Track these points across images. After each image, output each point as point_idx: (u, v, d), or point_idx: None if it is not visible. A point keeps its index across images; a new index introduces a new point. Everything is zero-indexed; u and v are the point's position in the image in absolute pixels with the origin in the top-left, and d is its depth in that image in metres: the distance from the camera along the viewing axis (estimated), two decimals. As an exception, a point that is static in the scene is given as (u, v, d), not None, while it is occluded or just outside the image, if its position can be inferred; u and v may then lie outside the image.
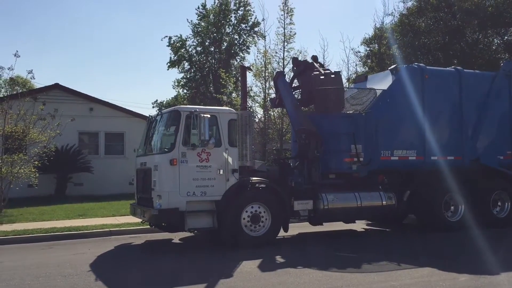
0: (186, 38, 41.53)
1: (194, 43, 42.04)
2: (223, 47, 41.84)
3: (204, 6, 41.62)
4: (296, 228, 12.91)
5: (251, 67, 24.95)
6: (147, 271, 8.70)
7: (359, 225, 13.87)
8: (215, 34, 41.48)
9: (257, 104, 28.55)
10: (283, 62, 26.70)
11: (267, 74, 26.56)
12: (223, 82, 30.12)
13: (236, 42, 42.32)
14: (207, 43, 41.86)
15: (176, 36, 41.30)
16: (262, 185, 10.93)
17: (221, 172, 10.53)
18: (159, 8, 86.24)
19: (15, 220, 14.68)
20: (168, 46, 41.22)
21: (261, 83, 26.76)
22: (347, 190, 12.00)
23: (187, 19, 42.10)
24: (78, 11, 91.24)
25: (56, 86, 24.83)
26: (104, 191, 22.71)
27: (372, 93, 12.76)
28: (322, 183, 11.86)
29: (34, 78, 32.27)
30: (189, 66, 42.29)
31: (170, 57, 41.69)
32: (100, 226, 13.22)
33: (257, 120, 27.71)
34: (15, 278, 8.16)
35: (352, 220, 12.78)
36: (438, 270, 8.32)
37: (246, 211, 10.61)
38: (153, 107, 47.59)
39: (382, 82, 13.26)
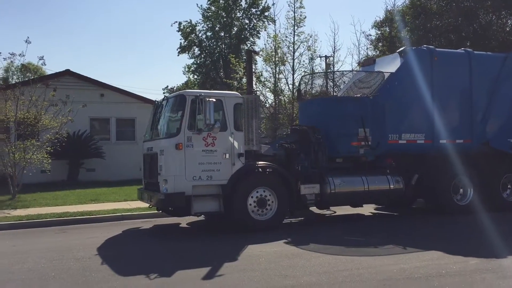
0: (196, 24, 41.47)
1: (204, 28, 41.97)
2: (233, 32, 41.70)
3: (213, -11, 41.52)
4: (303, 212, 12.91)
5: (261, 52, 24.81)
6: (153, 254, 8.78)
7: (367, 209, 13.81)
8: (225, 19, 41.32)
9: (268, 89, 28.54)
10: (293, 46, 26.54)
11: (277, 58, 26.44)
12: (233, 68, 30.04)
13: (246, 27, 42.13)
14: (217, 28, 41.74)
15: (186, 21, 41.27)
16: (269, 169, 10.91)
17: (227, 156, 10.53)
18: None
19: (29, 205, 14.86)
20: (178, 31, 41.23)
21: (271, 68, 26.62)
22: (354, 174, 11.95)
23: (197, 4, 42.03)
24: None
25: (67, 73, 24.92)
26: (115, 177, 22.88)
27: (380, 76, 12.62)
28: (329, 167, 11.82)
29: (45, 65, 32.41)
30: (199, 52, 42.25)
31: (180, 43, 41.71)
32: (112, 211, 13.34)
33: (267, 105, 27.65)
34: (28, 261, 8.29)
35: (359, 204, 12.72)
36: (447, 254, 8.26)
37: (252, 195, 10.61)
38: (163, 93, 47.81)
39: (390, 65, 13.10)
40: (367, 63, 14.52)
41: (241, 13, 42.44)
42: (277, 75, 26.74)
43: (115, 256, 8.68)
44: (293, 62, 25.41)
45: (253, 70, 33.94)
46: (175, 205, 10.49)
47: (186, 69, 43.87)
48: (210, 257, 8.40)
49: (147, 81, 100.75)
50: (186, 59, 74.40)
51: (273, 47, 26.37)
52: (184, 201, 10.17)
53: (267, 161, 11.21)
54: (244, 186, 10.56)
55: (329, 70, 12.66)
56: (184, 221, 12.18)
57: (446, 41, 29.99)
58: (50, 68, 37.33)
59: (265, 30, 41.25)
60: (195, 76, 43.02)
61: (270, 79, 27.49)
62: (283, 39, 26.52)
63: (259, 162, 10.95)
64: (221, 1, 41.46)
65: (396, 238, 9.90)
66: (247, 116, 11.01)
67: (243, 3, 42.11)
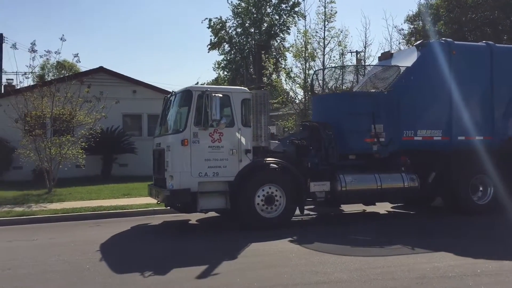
0: (226, 20, 41.57)
1: (234, 25, 42.05)
2: (263, 28, 41.63)
3: (244, -14, 41.56)
4: (313, 210, 12.73)
5: (291, 47, 24.49)
6: (166, 249, 8.81)
7: (383, 207, 13.49)
8: (255, 15, 41.29)
9: (297, 85, 28.26)
10: (324, 42, 26.14)
11: (307, 54, 26.13)
12: (262, 64, 30.01)
13: (276, 22, 41.96)
14: (247, 24, 41.77)
15: (216, 18, 41.41)
16: (276, 166, 10.78)
17: (234, 153, 10.46)
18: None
19: (64, 199, 15.12)
20: (208, 28, 41.40)
21: (301, 64, 26.37)
22: (367, 172, 11.68)
23: (227, 0, 42.07)
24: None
25: (101, 70, 25.22)
26: (147, 172, 22.82)
27: (395, 71, 12.29)
28: (340, 164, 11.60)
29: (80, 62, 33.02)
30: (229, 48, 42.35)
31: (211, 39, 41.90)
32: (144, 206, 13.46)
33: (297, 102, 27.41)
34: (65, 253, 8.49)
35: (372, 203, 12.44)
36: (481, 253, 8.01)
37: (260, 192, 10.47)
38: None
39: (407, 59, 12.75)
40: (384, 57, 14.16)
41: (271, 9, 42.32)
42: (307, 70, 26.54)
43: (118, 253, 8.81)
44: (324, 58, 25.13)
45: (283, 66, 33.57)
46: (180, 202, 10.45)
47: (216, 66, 44.04)
48: (213, 254, 8.32)
49: (178, 78, 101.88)
50: (216, 56, 74.82)
51: (303, 43, 26.08)
52: (189, 198, 10.14)
53: (277, 157, 11.09)
54: (251, 183, 10.44)
55: (343, 65, 12.40)
56: (194, 217, 12.15)
57: (481, 35, 29.05)
58: (84, 66, 38.23)
59: (295, 25, 41.09)
60: (225, 73, 43.12)
61: (300, 75, 27.31)
62: (313, 34, 26.19)
63: (267, 159, 10.83)
64: (251, -3, 41.54)
65: (425, 236, 9.69)
66: (256, 112, 10.89)
67: (273, -1, 42.04)
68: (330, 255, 8.14)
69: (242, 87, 11.45)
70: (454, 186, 12.17)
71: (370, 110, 11.65)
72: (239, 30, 41.96)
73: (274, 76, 31.20)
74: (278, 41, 41.44)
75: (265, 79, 30.49)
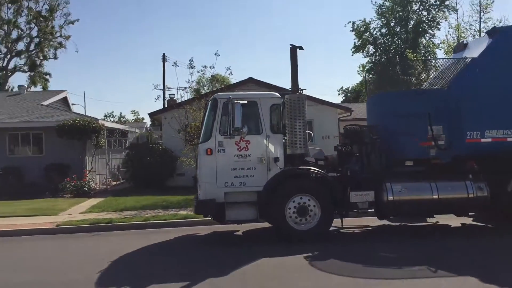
0: (370, 21, 40.45)
1: (379, 25, 40.73)
2: (409, 26, 39.71)
3: (388, -16, 40.08)
4: (360, 221, 11.65)
5: (442, 43, 22.84)
6: (166, 262, 8.72)
7: (455, 219, 11.74)
8: (400, 13, 39.63)
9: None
10: (479, 34, 23.82)
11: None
12: (410, 63, 28.50)
13: (424, 19, 39.79)
14: (392, 24, 40.20)
15: (360, 20, 40.43)
16: (309, 175, 10.00)
17: (262, 161, 9.93)
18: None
19: None
20: (351, 31, 40.47)
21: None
22: (421, 179, 10.30)
23: (371, 1, 40.99)
24: (262, 4, 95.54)
25: (250, 80, 25.63)
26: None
27: (461, 63, 10.75)
28: (390, 171, 10.42)
29: (232, 74, 34.23)
30: (373, 50, 41.03)
31: (354, 42, 40.90)
32: None
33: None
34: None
35: (428, 215, 10.94)
36: None
37: (291, 203, 9.82)
38: (338, 94, 47.34)
39: (479, 48, 11.06)
40: (458, 48, 12.44)
41: (418, 5, 40.23)
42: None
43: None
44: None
45: (433, 64, 31.45)
46: (207, 212, 10.24)
47: (361, 69, 43.09)
48: (196, 268, 8.09)
49: (323, 84, 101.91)
50: (360, 59, 73.20)
51: (455, 38, 24.12)
52: (214, 208, 9.86)
53: (316, 165, 10.32)
54: (281, 193, 9.83)
55: (401, 60, 11.11)
56: (243, 228, 11.76)
57: None
58: (234, 77, 39.75)
59: (445, 20, 38.50)
60: (370, 75, 41.67)
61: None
62: (467, 28, 24.10)
63: (299, 167, 10.11)
64: (396, -5, 39.90)
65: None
66: (291, 117, 10.24)
67: (420, -6, 39.95)
68: (338, 277, 7.31)
69: (272, 92, 10.84)
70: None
71: (425, 110, 10.27)
72: (383, 30, 40.60)
73: (423, 75, 29.23)
74: (427, 38, 39.19)
75: (413, 79, 28.57)
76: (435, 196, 10.08)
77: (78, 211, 15.25)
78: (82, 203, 17.05)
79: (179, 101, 23.29)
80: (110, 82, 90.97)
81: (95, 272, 7.95)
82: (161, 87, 38.51)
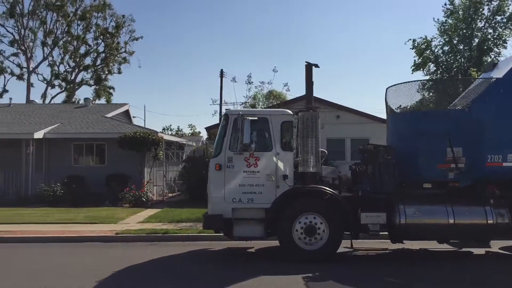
0: (431, 39, 39.67)
1: (441, 43, 39.85)
2: (473, 44, 38.61)
3: (452, 1, 39.03)
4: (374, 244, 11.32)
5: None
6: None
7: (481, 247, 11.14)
8: (464, 31, 38.65)
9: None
10: None
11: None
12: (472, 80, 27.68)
13: (489, 36, 38.63)
14: (455, 41, 39.24)
15: (421, 37, 39.67)
16: (318, 193, 9.82)
17: (271, 178, 9.86)
18: (397, 10, 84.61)
19: None
20: (412, 48, 39.74)
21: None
22: (437, 203, 9.89)
23: (433, 18, 40.20)
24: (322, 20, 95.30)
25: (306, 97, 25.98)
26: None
27: (485, 84, 10.31)
28: (401, 193, 10.09)
29: (289, 91, 34.21)
30: (435, 68, 40.13)
31: (414, 60, 40.10)
32: None
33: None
34: None
35: (444, 241, 10.44)
36: None
37: (299, 222, 9.66)
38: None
39: (507, 68, 10.57)
40: (488, 68, 11.92)
41: (484, 23, 39.13)
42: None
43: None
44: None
45: None
46: (213, 227, 10.24)
47: (420, 87, 42.11)
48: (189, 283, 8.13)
49: (378, 101, 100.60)
50: (420, 76, 71.63)
51: None
52: (221, 224, 9.89)
53: (329, 184, 10.15)
54: (289, 211, 9.70)
55: (421, 79, 10.79)
56: (258, 245, 11.63)
57: None
58: (291, 93, 39.32)
59: None
60: (430, 93, 40.69)
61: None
62: None
63: (309, 186, 9.95)
64: (459, 12, 38.85)
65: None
66: (303, 135, 10.13)
67: (485, 11, 38.74)
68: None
69: (283, 109, 10.75)
70: None
71: (445, 131, 9.87)
72: (446, 48, 39.70)
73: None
74: (492, 56, 38.01)
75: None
76: (451, 221, 9.64)
77: (136, 220, 15.72)
78: (139, 212, 17.58)
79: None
80: (169, 96, 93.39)
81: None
82: (218, 102, 39.12)
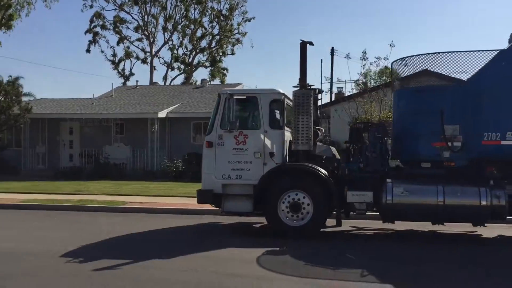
0: None
1: None
2: None
3: None
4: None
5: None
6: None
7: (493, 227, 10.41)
8: None
9: None
10: None
11: None
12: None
13: None
14: None
15: None
16: (302, 171, 9.86)
17: (258, 156, 10.07)
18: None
19: None
20: None
21: None
22: (428, 182, 9.48)
23: None
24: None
25: (425, 72, 25.31)
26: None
27: (489, 57, 9.62)
28: (392, 172, 9.83)
29: (407, 65, 32.95)
30: None
31: None
32: None
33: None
34: None
35: (436, 222, 9.89)
36: None
37: (285, 199, 9.76)
38: None
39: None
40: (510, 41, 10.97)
41: None
42: None
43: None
44: None
45: None
46: (205, 202, 10.60)
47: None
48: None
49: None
50: None
51: None
52: (211, 199, 10.25)
53: (320, 162, 10.16)
54: (274, 187, 9.84)
55: (427, 52, 10.16)
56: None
57: None
58: (408, 70, 36.25)
59: None
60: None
61: None
62: None
63: (294, 163, 10.02)
64: None
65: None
66: (296, 113, 10.20)
67: None
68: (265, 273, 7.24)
69: (273, 88, 10.75)
70: None
71: (439, 108, 9.43)
72: None
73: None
74: None
75: None
76: (440, 202, 9.20)
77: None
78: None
79: (348, 94, 24.25)
80: (278, 75, 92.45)
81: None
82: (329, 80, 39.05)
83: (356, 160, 9.99)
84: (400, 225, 10.59)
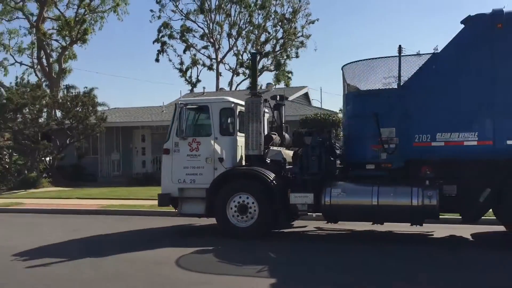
0: None
1: None
2: None
3: None
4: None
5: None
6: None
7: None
8: None
9: None
10: None
11: None
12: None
13: None
14: None
15: None
16: (249, 174, 10.41)
17: (209, 161, 10.71)
18: None
19: None
20: None
21: None
22: (366, 183, 9.83)
23: None
24: None
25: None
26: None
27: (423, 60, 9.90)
28: (334, 174, 10.24)
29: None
30: None
31: None
32: None
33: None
34: None
35: (376, 222, 10.17)
36: None
37: (233, 201, 10.32)
38: None
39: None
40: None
41: None
42: None
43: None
44: None
45: None
46: (164, 205, 11.32)
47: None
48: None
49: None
50: None
51: None
52: (168, 202, 10.99)
53: (270, 166, 10.68)
54: (223, 191, 10.43)
55: (375, 57, 10.37)
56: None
57: None
58: None
59: None
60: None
61: None
62: None
63: (241, 167, 10.61)
64: None
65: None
66: (247, 120, 10.79)
67: None
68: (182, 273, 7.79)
69: (223, 97, 11.37)
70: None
71: (373, 111, 9.79)
72: None
73: None
74: None
75: None
76: (374, 202, 9.54)
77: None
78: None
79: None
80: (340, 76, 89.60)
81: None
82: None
83: (299, 164, 10.44)
84: (362, 226, 11.02)
